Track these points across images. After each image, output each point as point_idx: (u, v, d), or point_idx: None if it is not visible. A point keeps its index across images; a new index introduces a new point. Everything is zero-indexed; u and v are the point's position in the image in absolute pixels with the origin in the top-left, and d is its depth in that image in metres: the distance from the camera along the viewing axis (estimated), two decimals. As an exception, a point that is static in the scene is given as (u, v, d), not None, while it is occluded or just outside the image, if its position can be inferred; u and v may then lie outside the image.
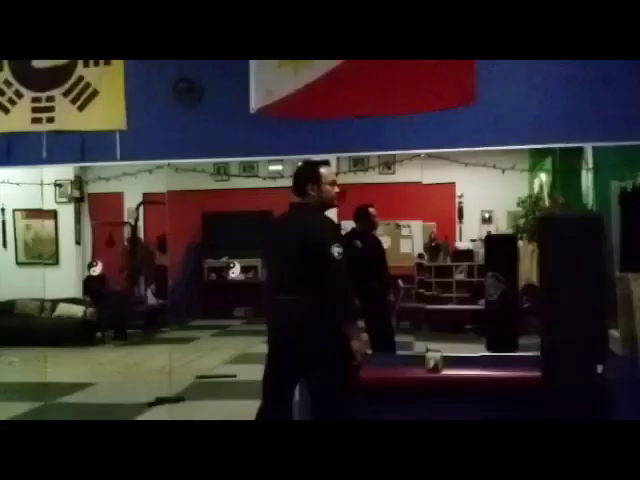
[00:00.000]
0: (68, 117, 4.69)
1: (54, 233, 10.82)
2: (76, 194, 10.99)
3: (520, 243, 6.60)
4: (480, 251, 9.16)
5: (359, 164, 9.77)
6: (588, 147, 4.87)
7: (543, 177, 9.47)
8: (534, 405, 3.47)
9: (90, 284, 10.59)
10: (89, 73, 4.66)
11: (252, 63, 4.28)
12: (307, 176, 3.57)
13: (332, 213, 3.94)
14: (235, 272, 12.42)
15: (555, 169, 8.93)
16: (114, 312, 10.01)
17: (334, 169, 3.68)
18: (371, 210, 5.92)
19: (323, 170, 3.56)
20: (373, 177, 9.99)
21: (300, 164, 3.77)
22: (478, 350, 4.76)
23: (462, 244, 10.50)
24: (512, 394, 3.82)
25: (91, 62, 4.64)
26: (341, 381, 3.35)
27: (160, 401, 5.85)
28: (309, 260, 3.33)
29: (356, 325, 3.43)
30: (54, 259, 10.77)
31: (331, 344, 3.34)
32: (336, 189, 3.60)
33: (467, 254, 10.20)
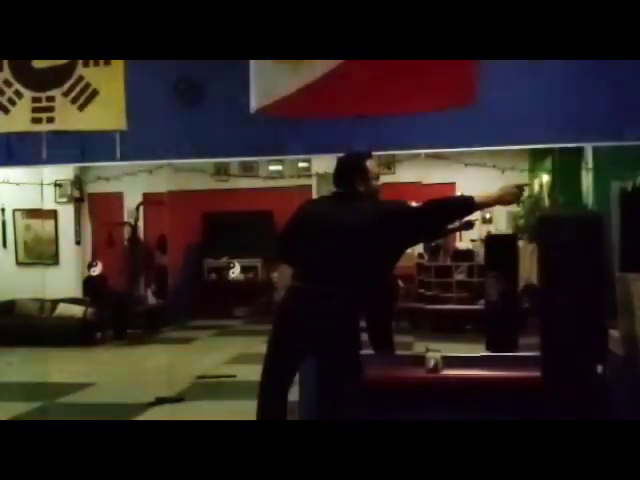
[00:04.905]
0: (68, 117, 4.68)
1: (54, 233, 10.83)
2: (76, 194, 11.00)
3: (520, 243, 6.61)
4: (480, 251, 9.17)
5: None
6: (588, 147, 4.87)
7: (543, 177, 9.48)
8: (534, 405, 3.48)
9: (90, 284, 10.61)
10: (89, 73, 4.65)
11: (252, 63, 4.28)
12: (354, 170, 3.51)
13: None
14: (235, 272, 12.43)
15: (555, 169, 8.94)
16: (114, 312, 10.02)
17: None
18: None
19: (369, 164, 3.54)
20: (373, 177, 9.97)
21: (344, 155, 3.66)
22: (478, 350, 4.77)
23: (462, 244, 10.52)
24: (512, 394, 3.82)
25: (91, 62, 4.63)
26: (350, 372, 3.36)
27: (160, 401, 5.85)
28: (368, 247, 3.31)
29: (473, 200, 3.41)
30: (54, 259, 10.79)
31: (352, 340, 3.37)
32: (379, 182, 3.59)
33: (467, 254, 10.21)
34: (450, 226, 3.88)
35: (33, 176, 10.10)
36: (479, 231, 9.39)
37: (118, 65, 4.59)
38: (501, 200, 3.47)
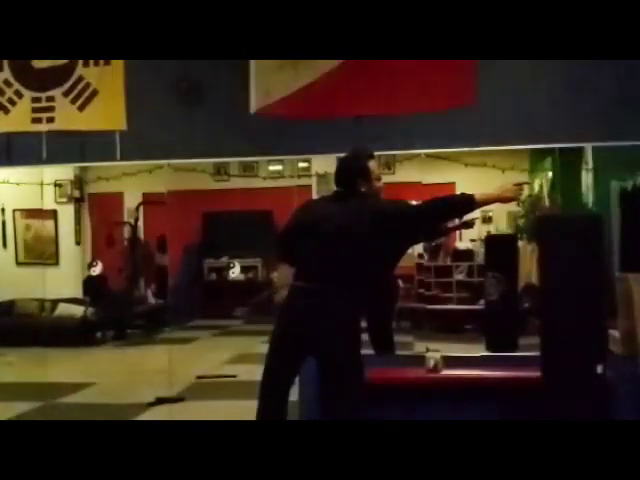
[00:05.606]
0: (68, 117, 4.69)
1: (54, 233, 10.82)
2: (76, 194, 10.99)
3: (520, 243, 6.61)
4: (480, 251, 9.17)
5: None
6: (588, 147, 4.87)
7: (543, 177, 9.48)
8: (534, 405, 3.47)
9: (90, 284, 10.60)
10: (89, 73, 4.66)
11: (252, 63, 4.28)
12: (357, 171, 3.50)
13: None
14: (235, 272, 12.42)
15: (555, 169, 8.93)
16: (114, 312, 10.02)
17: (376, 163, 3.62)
18: None
19: (372, 165, 3.54)
20: (373, 177, 9.96)
21: (346, 155, 3.65)
22: (478, 350, 4.77)
23: (462, 244, 10.51)
24: (512, 394, 3.82)
25: (91, 62, 4.64)
26: (357, 377, 3.35)
27: (160, 401, 5.85)
28: (371, 246, 3.30)
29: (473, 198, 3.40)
30: (54, 259, 10.77)
31: (352, 340, 3.35)
32: (381, 183, 3.59)
33: (467, 254, 10.20)
34: (450, 225, 3.87)
35: (33, 176, 10.08)
36: (479, 231, 9.38)
37: (118, 65, 4.60)
38: (501, 198, 3.48)
